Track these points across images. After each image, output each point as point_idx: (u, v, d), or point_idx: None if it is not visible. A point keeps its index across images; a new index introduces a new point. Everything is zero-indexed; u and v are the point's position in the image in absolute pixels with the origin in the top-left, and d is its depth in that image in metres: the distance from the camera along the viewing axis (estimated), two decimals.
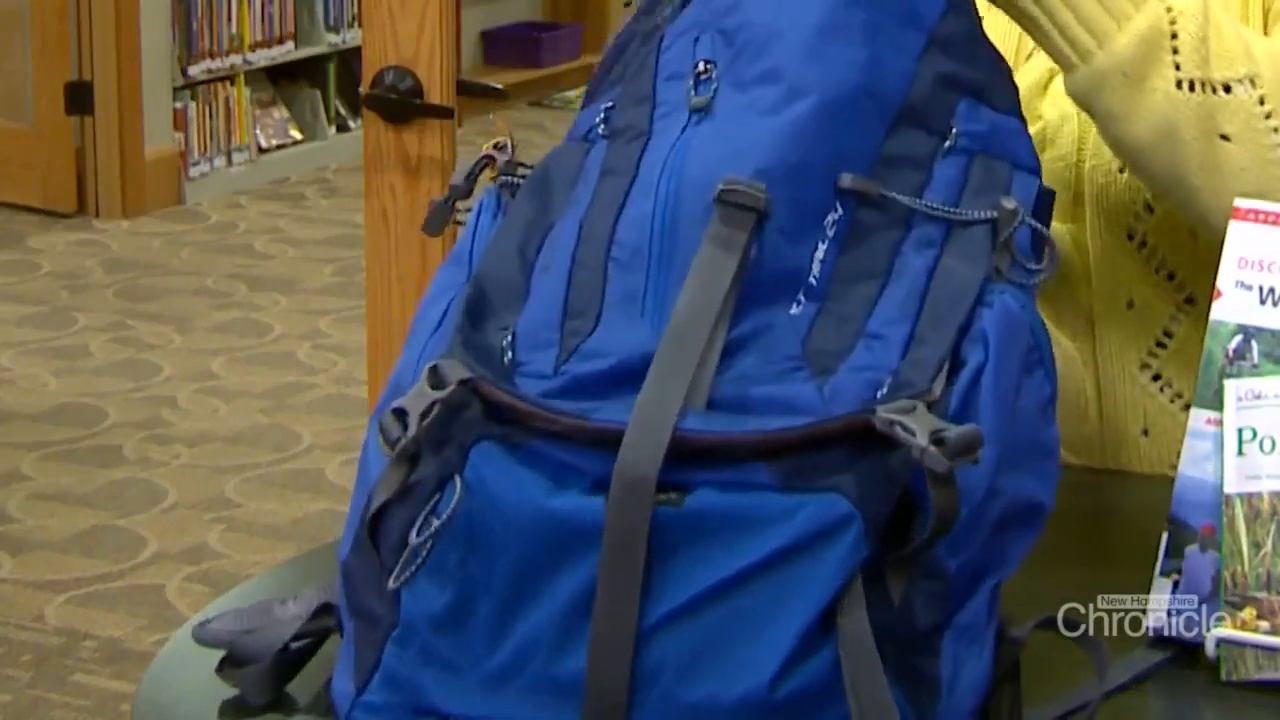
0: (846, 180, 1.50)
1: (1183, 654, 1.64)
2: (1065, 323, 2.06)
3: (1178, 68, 1.86)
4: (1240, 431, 1.66)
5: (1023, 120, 1.71)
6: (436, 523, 1.35)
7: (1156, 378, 2.02)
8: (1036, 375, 1.54)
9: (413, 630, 1.37)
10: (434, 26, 3.88)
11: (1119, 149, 1.95)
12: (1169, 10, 1.87)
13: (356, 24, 8.86)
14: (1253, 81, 1.86)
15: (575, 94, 10.80)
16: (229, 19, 9.07)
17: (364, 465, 1.48)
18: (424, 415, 1.36)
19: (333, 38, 9.53)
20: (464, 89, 3.99)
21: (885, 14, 1.60)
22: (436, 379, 1.37)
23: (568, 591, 1.32)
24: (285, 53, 9.42)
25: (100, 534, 5.69)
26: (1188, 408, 1.77)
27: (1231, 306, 1.70)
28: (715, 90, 1.54)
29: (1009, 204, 1.55)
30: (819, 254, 1.48)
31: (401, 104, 3.90)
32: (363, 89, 3.95)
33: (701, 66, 1.56)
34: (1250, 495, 1.64)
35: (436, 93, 3.90)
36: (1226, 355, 1.69)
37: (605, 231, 1.51)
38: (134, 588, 5.35)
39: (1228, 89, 1.86)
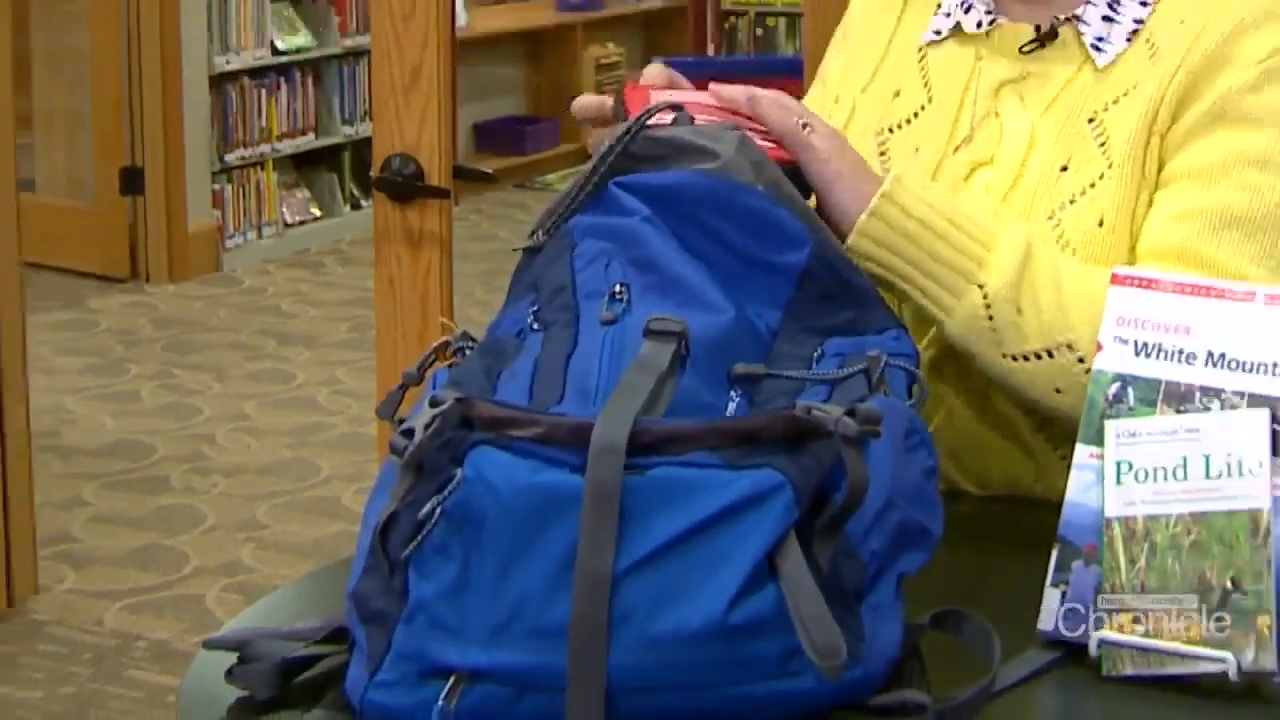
0: (739, 368, 1.58)
1: (1070, 653, 1.64)
2: (971, 389, 2.07)
3: (1000, 344, 1.87)
4: (1118, 464, 1.67)
5: (899, 331, 1.78)
6: (440, 508, 1.38)
7: (1048, 438, 2.02)
8: (920, 452, 1.62)
9: (421, 607, 1.39)
10: (433, 119, 3.88)
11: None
12: (985, 298, 1.87)
13: (368, 118, 8.85)
14: (1070, 346, 1.86)
15: (554, 177, 10.84)
16: (259, 113, 9.08)
17: (364, 529, 1.51)
18: (427, 426, 1.40)
19: (347, 129, 9.53)
20: (459, 173, 3.99)
21: (753, 275, 1.70)
22: (435, 401, 1.43)
23: (553, 551, 1.36)
24: (307, 142, 9.43)
25: (150, 551, 5.69)
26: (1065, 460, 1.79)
27: (1111, 358, 1.71)
28: (627, 307, 1.59)
29: (874, 353, 1.63)
30: (730, 408, 1.55)
31: (406, 186, 3.90)
32: (373, 173, 3.96)
33: (618, 289, 1.61)
34: (1127, 519, 1.65)
35: (436, 176, 3.90)
36: (1106, 399, 1.70)
37: (560, 364, 1.56)
38: (179, 597, 5.35)
39: (1050, 354, 1.86)
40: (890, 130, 2.14)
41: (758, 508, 1.38)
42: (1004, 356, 1.87)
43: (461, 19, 9.56)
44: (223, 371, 7.53)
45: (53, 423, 6.73)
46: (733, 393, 1.58)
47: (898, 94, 2.16)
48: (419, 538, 1.40)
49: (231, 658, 1.54)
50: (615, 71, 11.58)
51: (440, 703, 1.39)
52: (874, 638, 1.44)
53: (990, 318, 1.87)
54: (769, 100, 1.84)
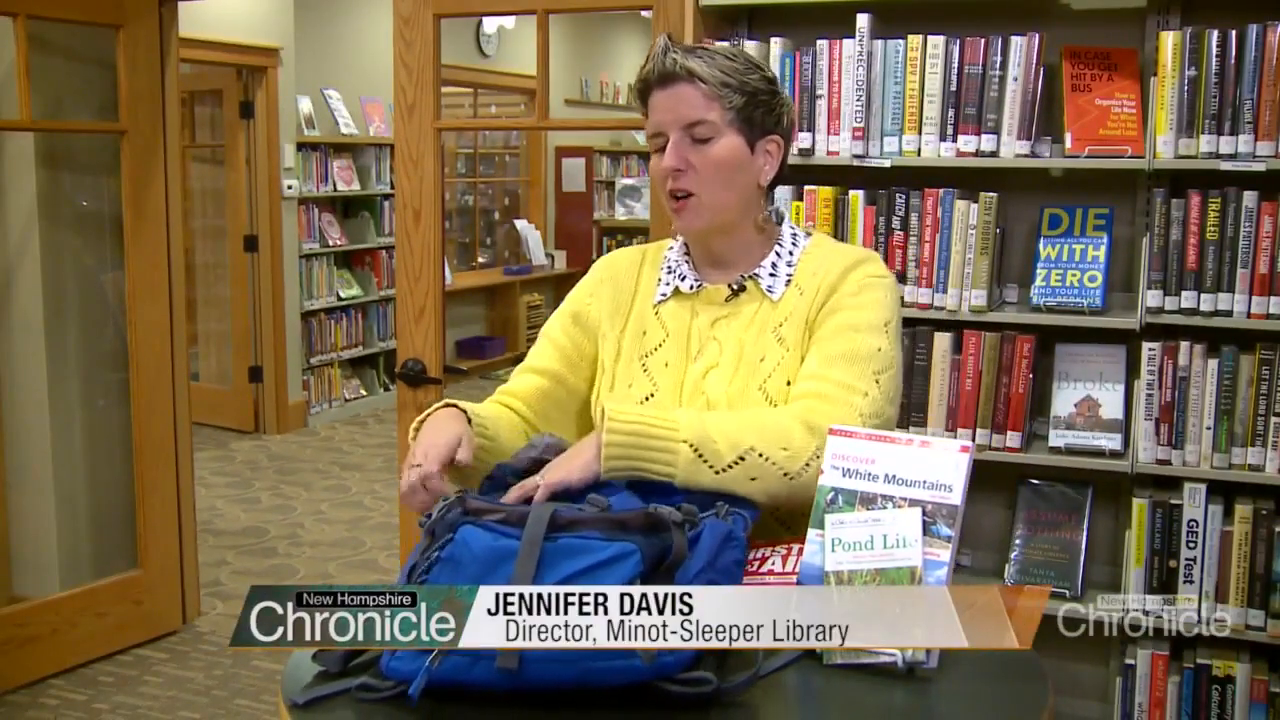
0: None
1: (807, 651, 1.64)
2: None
3: (711, 467, 1.81)
4: (833, 540, 1.66)
5: (750, 508, 1.81)
6: (439, 555, 1.55)
7: (782, 522, 1.99)
8: (733, 551, 1.67)
9: None
10: (433, 337, 3.87)
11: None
12: (690, 446, 1.81)
13: (393, 337, 8.81)
14: (753, 449, 1.81)
15: (503, 373, 10.79)
16: (330, 335, 9.02)
17: (402, 571, 1.62)
18: (439, 512, 1.60)
19: (382, 344, 9.46)
20: (447, 370, 3.98)
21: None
22: (445, 497, 1.63)
23: (499, 580, 1.48)
24: (358, 351, 9.34)
25: None
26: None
27: (829, 477, 1.71)
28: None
29: (721, 504, 1.73)
30: None
31: (416, 377, 3.88)
32: (397, 369, 3.93)
33: None
34: (838, 571, 1.65)
35: (433, 371, 3.88)
36: (826, 501, 1.70)
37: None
38: None
39: (742, 459, 1.81)
40: (647, 355, 2.12)
41: (619, 563, 1.49)
42: (715, 474, 1.80)
43: (448, 278, 9.56)
44: (308, 485, 7.41)
45: (208, 515, 6.60)
46: None
47: (645, 333, 2.15)
48: (427, 572, 1.55)
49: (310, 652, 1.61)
50: (539, 310, 11.60)
51: (428, 664, 1.47)
52: None
53: (699, 454, 1.81)
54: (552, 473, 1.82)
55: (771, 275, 2.09)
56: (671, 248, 2.20)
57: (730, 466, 1.81)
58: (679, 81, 2.00)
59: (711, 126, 2.01)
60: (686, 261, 2.16)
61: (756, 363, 2.04)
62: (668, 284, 2.16)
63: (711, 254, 2.13)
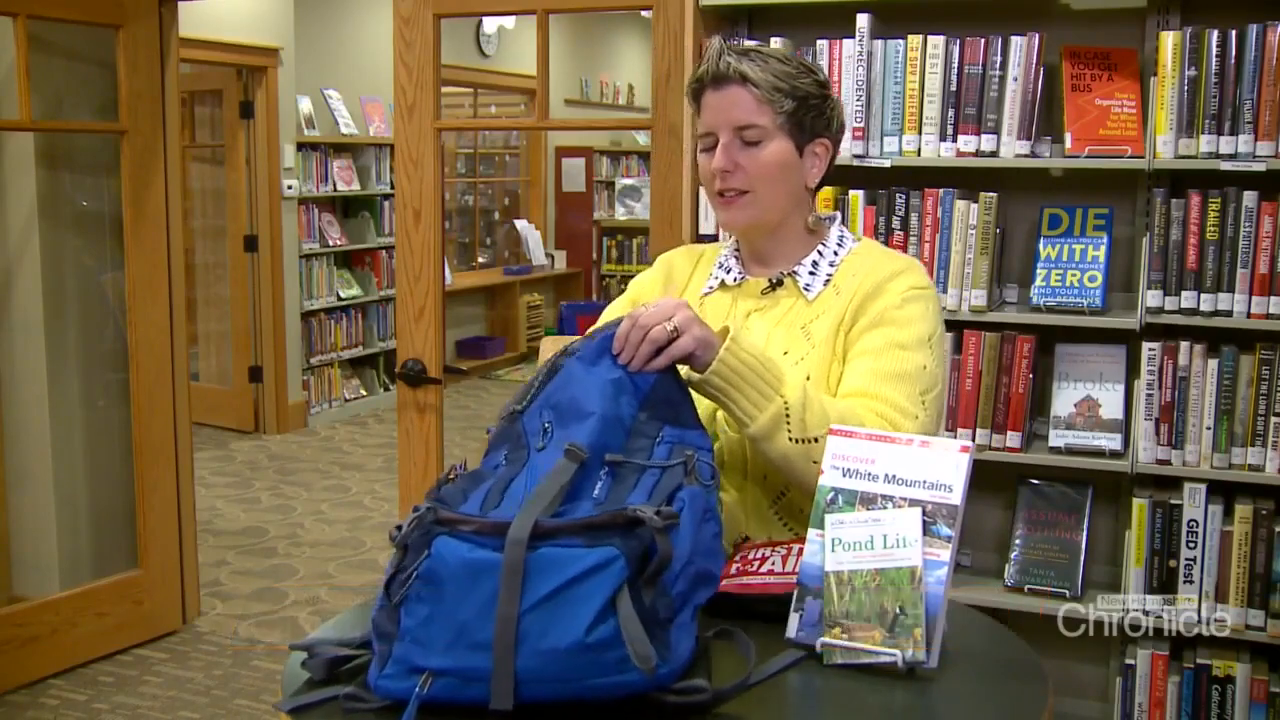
0: (608, 455, 1.64)
1: (807, 652, 1.63)
2: (742, 492, 2.05)
3: (789, 433, 1.85)
4: (833, 540, 1.66)
5: (702, 430, 1.80)
6: (416, 572, 1.47)
7: (782, 520, 2.01)
8: (711, 524, 1.64)
9: (407, 631, 1.45)
10: (432, 337, 3.86)
11: (764, 462, 1.95)
12: (784, 401, 1.85)
13: (393, 337, 8.81)
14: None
15: (503, 373, 10.81)
16: (330, 335, 9.02)
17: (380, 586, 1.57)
18: (410, 524, 1.50)
19: (382, 344, 9.46)
20: (447, 370, 3.97)
21: (623, 391, 1.74)
22: (416, 509, 1.52)
23: (481, 597, 1.43)
24: (358, 352, 9.34)
25: (265, 591, 5.57)
26: (794, 533, 1.85)
27: (829, 478, 1.70)
28: (551, 433, 1.69)
29: (690, 451, 1.69)
30: (598, 488, 1.61)
31: (416, 377, 3.87)
32: (397, 369, 3.92)
33: (545, 425, 1.71)
34: (838, 571, 1.64)
35: (433, 371, 3.88)
36: (826, 501, 1.70)
37: (503, 486, 1.65)
38: (283, 618, 5.24)
39: (816, 440, 1.83)
40: None
41: (603, 570, 1.43)
42: (789, 440, 1.84)
43: (448, 278, 9.57)
44: (308, 486, 7.41)
45: (208, 515, 6.60)
46: (603, 473, 1.64)
47: None
48: (405, 589, 1.48)
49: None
50: (539, 310, 11.58)
51: (418, 689, 1.44)
52: (677, 647, 1.48)
53: (787, 416, 1.85)
54: (645, 315, 1.81)
55: (811, 274, 2.14)
56: (727, 246, 2.26)
57: (803, 440, 1.85)
58: (731, 84, 2.04)
59: (761, 130, 2.05)
60: (735, 257, 2.22)
61: (780, 355, 2.07)
62: (716, 277, 2.22)
63: (756, 250, 2.19)
